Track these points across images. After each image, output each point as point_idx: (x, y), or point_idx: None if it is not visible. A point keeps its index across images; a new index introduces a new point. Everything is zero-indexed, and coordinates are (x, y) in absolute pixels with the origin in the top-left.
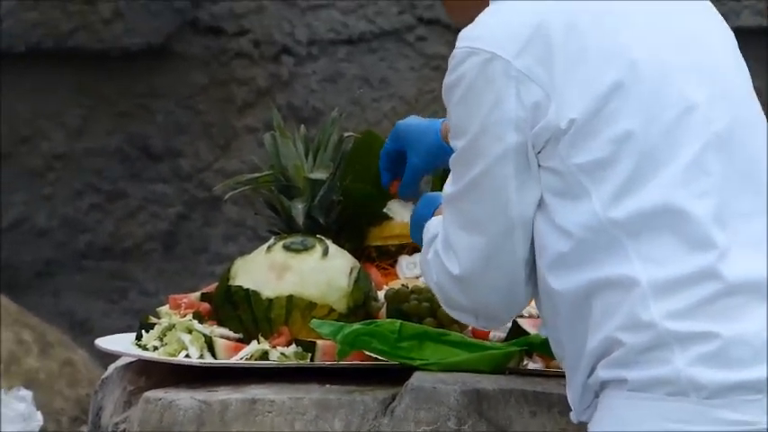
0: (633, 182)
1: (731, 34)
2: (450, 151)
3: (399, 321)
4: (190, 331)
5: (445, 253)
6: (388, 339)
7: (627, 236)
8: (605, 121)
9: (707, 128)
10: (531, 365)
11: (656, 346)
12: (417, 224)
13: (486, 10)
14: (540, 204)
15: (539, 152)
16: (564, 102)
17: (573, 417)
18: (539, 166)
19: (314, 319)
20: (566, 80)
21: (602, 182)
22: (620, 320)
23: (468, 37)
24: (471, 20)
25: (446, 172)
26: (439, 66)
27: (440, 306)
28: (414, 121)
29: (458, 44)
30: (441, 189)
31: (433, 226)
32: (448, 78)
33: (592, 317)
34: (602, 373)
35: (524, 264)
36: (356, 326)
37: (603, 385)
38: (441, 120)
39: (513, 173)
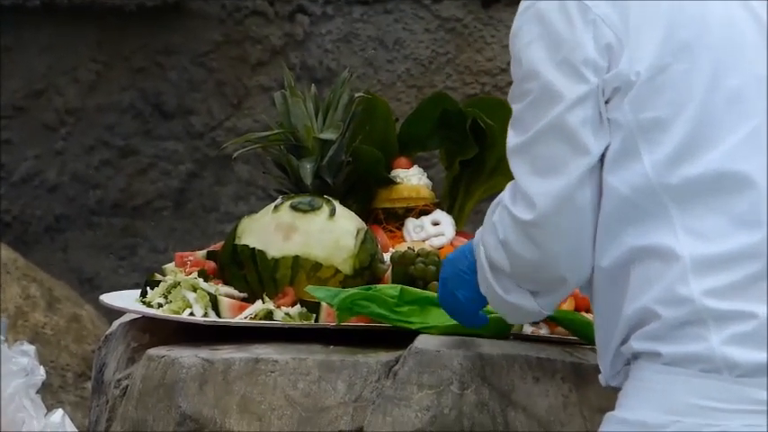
0: (689, 148)
1: None
2: None
3: (400, 286)
4: (195, 289)
5: (514, 203)
6: (387, 303)
7: (675, 204)
8: (670, 80)
9: None
10: (536, 331)
11: (691, 322)
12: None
13: None
14: None
15: (606, 101)
16: (635, 53)
17: (602, 380)
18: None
19: (309, 285)
20: (639, 32)
21: (658, 144)
22: (657, 292)
23: None
24: None
25: (455, 151)
26: (454, 28)
27: None
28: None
29: None
30: (449, 164)
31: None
32: (519, 19)
33: (630, 285)
34: (636, 344)
35: (593, 211)
36: (352, 290)
37: (636, 355)
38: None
39: (591, 116)
